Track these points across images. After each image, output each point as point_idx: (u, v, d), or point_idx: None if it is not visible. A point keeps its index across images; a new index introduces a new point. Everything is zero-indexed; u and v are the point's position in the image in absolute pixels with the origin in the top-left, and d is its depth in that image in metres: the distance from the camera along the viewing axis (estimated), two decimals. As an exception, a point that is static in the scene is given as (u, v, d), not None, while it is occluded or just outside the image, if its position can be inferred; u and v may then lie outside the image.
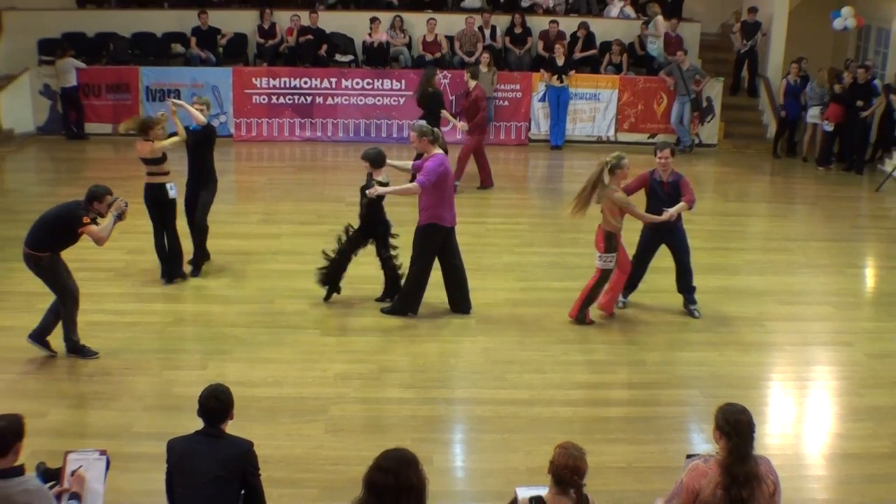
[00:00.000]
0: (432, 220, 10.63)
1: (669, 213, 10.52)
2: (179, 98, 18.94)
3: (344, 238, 11.06)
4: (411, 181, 11.12)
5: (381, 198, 10.71)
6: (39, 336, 9.71)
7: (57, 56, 19.27)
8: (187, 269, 11.91)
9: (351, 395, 9.14)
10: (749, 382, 9.69)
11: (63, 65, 19.14)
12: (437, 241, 10.74)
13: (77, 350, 9.68)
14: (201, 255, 12.09)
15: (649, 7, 20.92)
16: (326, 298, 11.23)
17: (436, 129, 10.90)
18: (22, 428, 5.58)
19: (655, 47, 20.52)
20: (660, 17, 20.53)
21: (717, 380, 9.65)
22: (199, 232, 12.01)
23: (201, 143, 11.82)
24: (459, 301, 11.07)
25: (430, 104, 16.02)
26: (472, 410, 8.98)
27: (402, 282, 11.08)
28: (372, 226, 10.95)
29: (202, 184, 11.95)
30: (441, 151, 10.63)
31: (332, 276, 11.13)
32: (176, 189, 11.47)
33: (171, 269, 11.70)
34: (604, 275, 10.70)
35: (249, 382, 9.08)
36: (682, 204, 10.62)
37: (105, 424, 8.41)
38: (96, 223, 9.37)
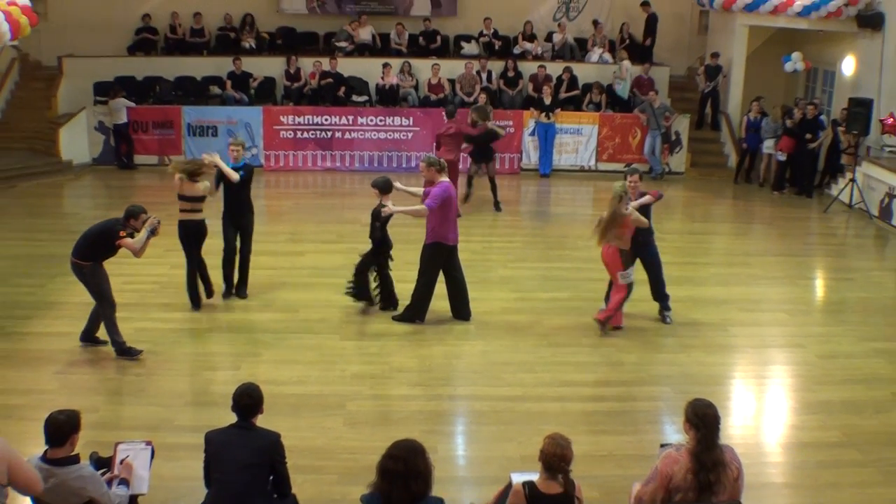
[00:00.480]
0: (437, 239, 10.62)
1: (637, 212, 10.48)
2: (216, 134, 19.15)
3: (359, 261, 11.09)
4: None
5: (388, 218, 10.70)
6: (88, 336, 9.90)
7: (110, 97, 19.31)
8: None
9: (366, 392, 9.10)
10: (715, 380, 9.64)
11: (115, 104, 19.17)
12: (441, 258, 10.73)
13: (124, 352, 9.67)
14: (245, 278, 11.75)
15: (618, 53, 20.99)
16: (365, 308, 11.23)
17: (442, 160, 10.91)
18: (79, 422, 5.57)
19: (622, 88, 20.54)
20: (626, 62, 20.54)
21: (686, 378, 9.60)
22: (248, 258, 11.65)
23: (246, 181, 11.36)
24: (461, 309, 11.04)
25: (486, 138, 16.36)
26: (471, 405, 8.93)
27: (391, 290, 11.15)
28: (382, 245, 10.93)
29: (242, 215, 11.47)
30: (447, 180, 10.65)
31: (362, 293, 11.13)
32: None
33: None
34: (629, 288, 10.63)
35: (277, 381, 9.04)
36: (647, 196, 10.69)
37: (150, 418, 8.37)
38: (132, 237, 9.43)
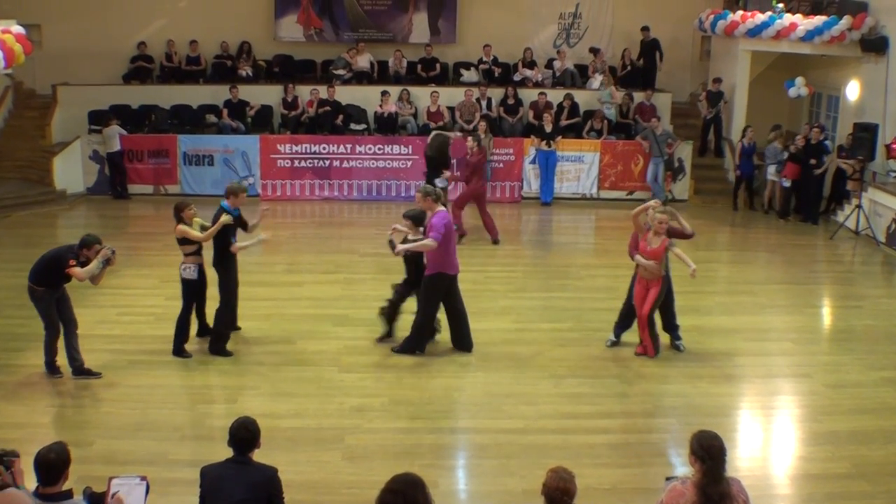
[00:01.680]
0: (439, 269, 10.65)
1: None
2: (213, 163, 19.15)
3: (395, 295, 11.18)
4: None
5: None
6: (73, 365, 10.06)
7: (103, 125, 19.38)
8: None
9: (365, 425, 9.09)
10: (721, 411, 9.63)
11: (109, 132, 19.24)
12: (442, 289, 10.76)
13: (53, 371, 10.03)
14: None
15: (603, 78, 21.13)
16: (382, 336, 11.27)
17: (438, 190, 10.96)
18: (68, 456, 5.55)
19: (612, 112, 20.66)
20: (612, 88, 20.72)
21: (692, 409, 9.58)
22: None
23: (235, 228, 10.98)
24: (462, 340, 11.05)
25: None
26: (472, 439, 8.92)
27: (391, 315, 11.17)
28: (418, 272, 10.91)
29: (227, 260, 10.90)
30: (443, 209, 10.69)
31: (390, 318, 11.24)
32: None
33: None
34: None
35: (274, 414, 9.03)
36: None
37: (145, 452, 8.35)
38: (82, 266, 9.60)
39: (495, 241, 16.33)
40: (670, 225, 10.71)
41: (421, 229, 10.74)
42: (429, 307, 10.85)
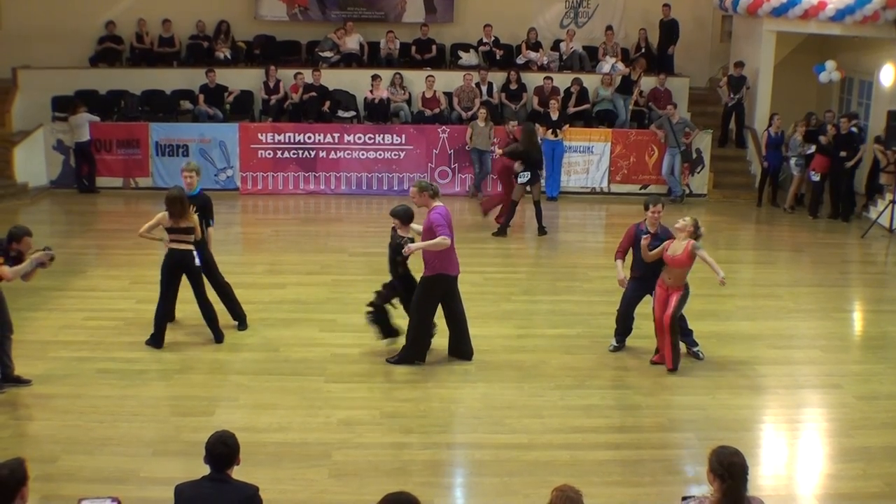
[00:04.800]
0: (440, 271, 10.66)
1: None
2: (188, 153, 19.18)
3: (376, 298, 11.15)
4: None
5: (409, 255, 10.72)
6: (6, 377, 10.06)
7: (70, 112, 19.36)
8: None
9: (354, 440, 9.10)
10: (742, 425, 9.65)
11: (76, 120, 19.23)
12: (440, 291, 10.77)
13: (10, 380, 9.98)
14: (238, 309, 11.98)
15: (608, 58, 21.37)
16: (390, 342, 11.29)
17: (434, 184, 10.93)
18: (25, 473, 5.51)
19: (603, 100, 20.83)
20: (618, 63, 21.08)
21: (710, 423, 9.61)
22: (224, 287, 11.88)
23: (202, 213, 11.48)
24: (461, 347, 11.06)
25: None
26: (472, 455, 8.94)
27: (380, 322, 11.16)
28: (407, 281, 10.95)
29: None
30: (440, 203, 10.68)
31: (386, 329, 11.20)
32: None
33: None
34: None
35: (255, 428, 9.05)
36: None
37: (115, 469, 8.36)
38: (14, 263, 9.68)
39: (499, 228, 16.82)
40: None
41: (410, 229, 10.76)
42: (424, 312, 10.84)
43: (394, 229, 10.81)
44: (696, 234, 10.49)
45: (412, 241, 10.64)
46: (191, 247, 11.10)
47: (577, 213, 19.13)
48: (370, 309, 11.11)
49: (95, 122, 19.41)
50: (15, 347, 10.82)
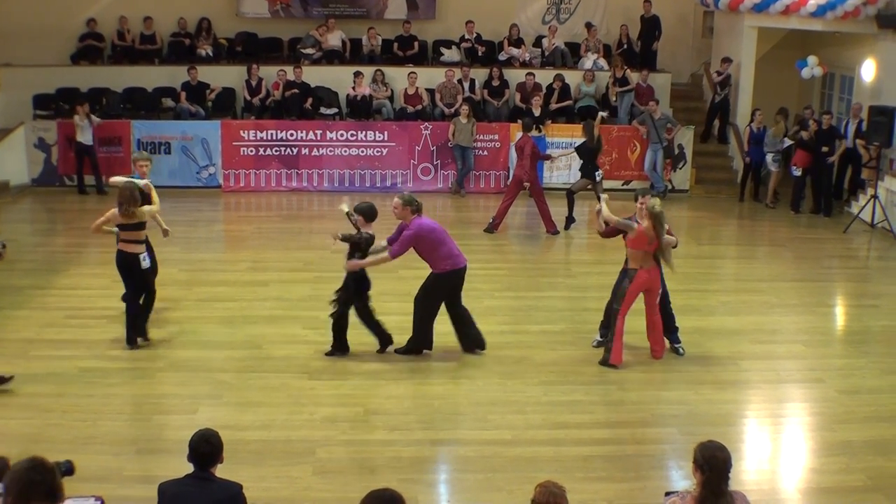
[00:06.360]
0: (454, 266, 10.78)
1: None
2: (170, 151, 19.12)
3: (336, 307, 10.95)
4: None
5: (368, 246, 10.66)
6: None
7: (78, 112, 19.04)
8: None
9: (338, 437, 9.08)
10: (725, 420, 9.67)
11: (82, 120, 18.95)
12: (449, 286, 10.88)
13: None
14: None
15: (590, 55, 21.43)
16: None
17: (419, 201, 10.84)
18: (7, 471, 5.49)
19: (585, 97, 20.89)
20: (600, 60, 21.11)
21: (693, 418, 9.63)
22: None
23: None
24: (473, 338, 11.15)
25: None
26: (456, 451, 8.93)
27: (381, 327, 11.06)
28: (362, 282, 10.83)
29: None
30: (423, 218, 10.71)
31: (341, 344, 11.05)
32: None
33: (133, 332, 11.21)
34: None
35: (238, 426, 9.02)
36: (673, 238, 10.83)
37: (97, 468, 8.30)
38: None
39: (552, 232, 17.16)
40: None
41: (371, 226, 10.69)
42: (429, 305, 10.92)
43: (355, 223, 10.79)
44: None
45: (372, 237, 10.67)
46: (140, 248, 10.94)
47: (560, 210, 19.07)
48: (333, 319, 10.97)
49: (98, 123, 19.24)
50: (-4, 346, 10.83)
